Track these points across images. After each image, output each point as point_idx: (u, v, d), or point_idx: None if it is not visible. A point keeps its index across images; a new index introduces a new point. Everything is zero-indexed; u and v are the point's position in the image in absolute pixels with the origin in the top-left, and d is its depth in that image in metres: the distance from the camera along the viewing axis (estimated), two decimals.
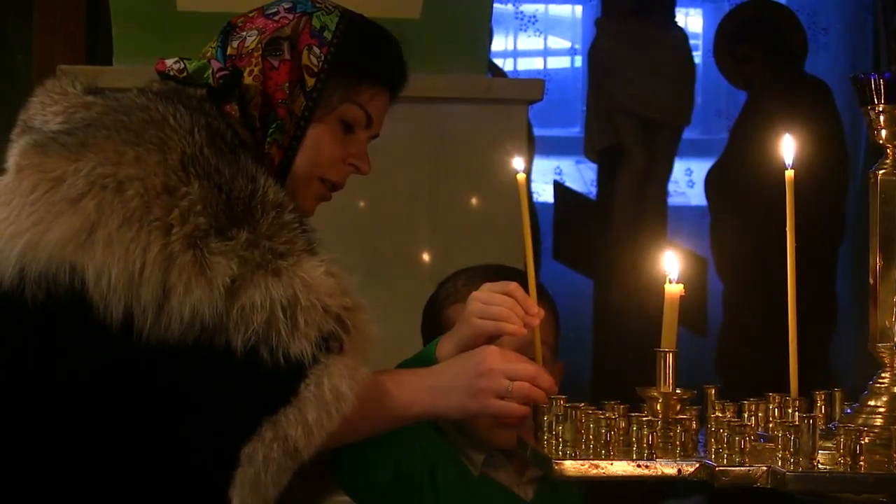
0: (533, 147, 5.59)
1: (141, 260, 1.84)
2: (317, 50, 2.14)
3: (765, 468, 1.90)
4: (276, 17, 2.16)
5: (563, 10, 7.68)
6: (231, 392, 1.88)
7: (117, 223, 1.85)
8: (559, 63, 7.67)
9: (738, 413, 2.15)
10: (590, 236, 6.32)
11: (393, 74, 2.25)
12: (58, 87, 2.07)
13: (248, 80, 2.10)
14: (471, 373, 2.11)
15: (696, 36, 7.30)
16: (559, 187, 6.67)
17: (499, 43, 7.18)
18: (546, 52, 7.61)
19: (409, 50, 3.70)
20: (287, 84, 2.11)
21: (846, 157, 6.08)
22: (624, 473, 1.97)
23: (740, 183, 5.92)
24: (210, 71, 2.08)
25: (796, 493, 1.92)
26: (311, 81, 2.13)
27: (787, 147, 2.02)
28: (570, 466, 1.97)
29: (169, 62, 2.10)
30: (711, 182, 6.22)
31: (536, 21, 7.47)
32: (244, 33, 2.15)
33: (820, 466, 1.89)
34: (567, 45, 7.66)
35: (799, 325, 2.04)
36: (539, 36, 7.53)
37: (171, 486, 1.90)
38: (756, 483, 1.91)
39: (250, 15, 2.19)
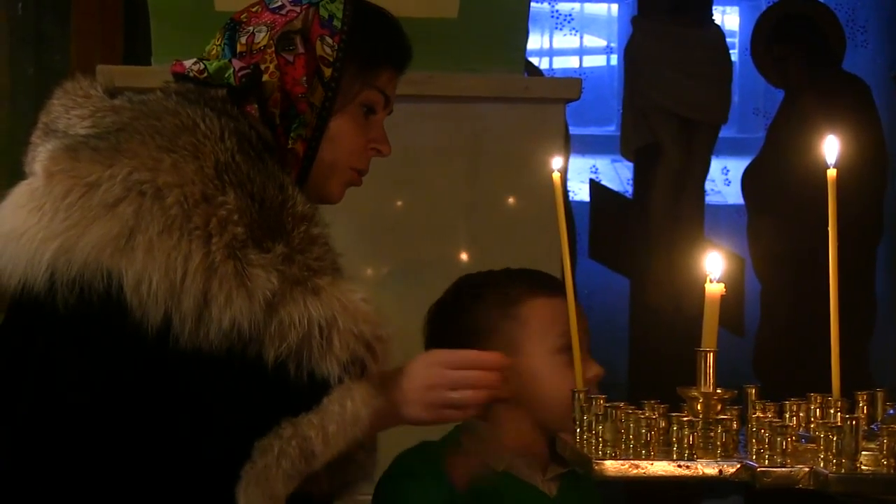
0: (569, 146, 5.58)
1: (182, 268, 1.84)
2: (329, 40, 2.13)
3: (807, 469, 1.89)
4: (283, 11, 2.14)
5: (599, 9, 7.68)
6: (254, 393, 1.89)
7: (158, 229, 1.86)
8: (595, 61, 7.66)
9: (780, 413, 2.14)
10: (626, 235, 6.31)
11: (404, 53, 2.25)
12: (79, 89, 2.06)
13: (265, 77, 2.09)
14: (419, 387, 2.13)
15: (732, 34, 7.29)
16: (595, 186, 6.66)
17: (534, 41, 7.17)
18: (582, 51, 7.60)
19: (446, 50, 3.71)
20: (305, 78, 2.11)
21: (885, 157, 6.04)
22: (664, 473, 1.96)
23: (777, 182, 5.90)
24: (231, 70, 2.07)
25: (839, 495, 1.91)
26: (328, 72, 2.12)
27: (830, 147, 2.01)
28: (611, 466, 1.97)
29: (188, 63, 2.10)
30: (748, 181, 6.19)
31: (572, 19, 7.47)
32: (251, 28, 2.13)
33: (863, 468, 1.87)
34: (603, 43, 7.65)
35: (839, 324, 2.03)
36: (575, 34, 7.52)
37: (181, 480, 1.91)
38: (798, 484, 1.90)
39: (253, 10, 2.17)
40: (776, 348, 5.90)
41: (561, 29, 7.46)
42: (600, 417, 2.04)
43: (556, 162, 2.38)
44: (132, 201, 1.88)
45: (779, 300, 5.98)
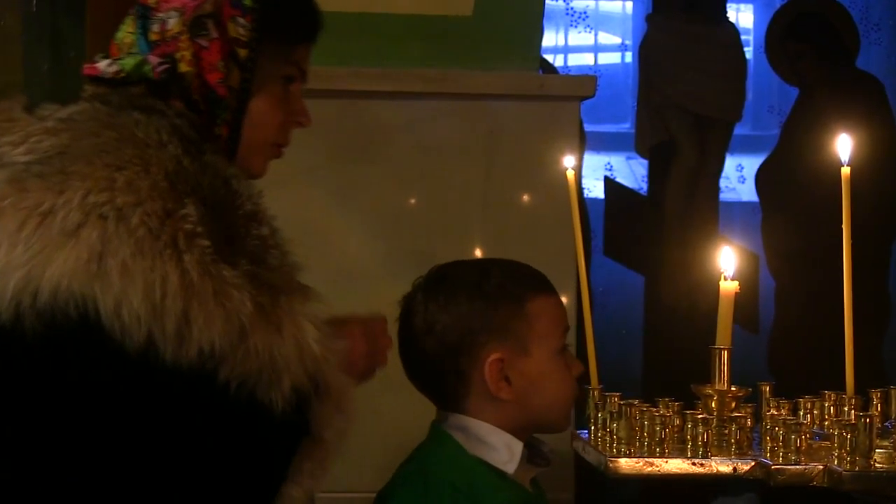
0: (584, 143, 5.58)
1: (161, 290, 1.83)
2: (241, 20, 2.10)
3: (821, 467, 1.90)
4: None
5: (614, 6, 7.67)
6: (227, 415, 1.91)
7: (129, 252, 1.84)
8: (609, 59, 7.66)
9: (794, 411, 2.14)
10: (641, 232, 6.30)
11: (317, 25, 2.23)
12: (2, 116, 2.02)
13: (182, 65, 2.07)
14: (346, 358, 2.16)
15: (746, 31, 7.28)
16: (610, 183, 6.66)
17: (549, 39, 7.17)
18: (596, 48, 7.60)
19: (461, 47, 3.71)
20: (221, 62, 2.08)
21: None
22: (679, 471, 1.97)
23: (792, 179, 5.89)
24: (149, 66, 2.05)
25: (853, 493, 1.92)
26: (243, 53, 2.10)
27: (844, 145, 2.01)
28: (625, 464, 1.97)
29: (101, 65, 2.07)
30: (763, 178, 6.19)
31: (587, 17, 7.46)
32: (162, 15, 2.10)
33: (877, 466, 1.88)
34: (617, 40, 7.64)
35: (853, 322, 2.03)
36: (589, 32, 7.51)
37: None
38: (812, 482, 1.90)
39: None
40: (791, 345, 5.89)
41: (576, 26, 7.46)
42: (615, 415, 2.05)
43: (569, 160, 2.38)
44: (94, 225, 1.85)
45: (793, 297, 5.97)
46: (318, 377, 1.94)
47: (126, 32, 2.11)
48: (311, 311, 1.95)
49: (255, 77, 2.11)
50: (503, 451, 2.45)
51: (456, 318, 2.46)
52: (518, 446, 2.44)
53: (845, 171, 2.01)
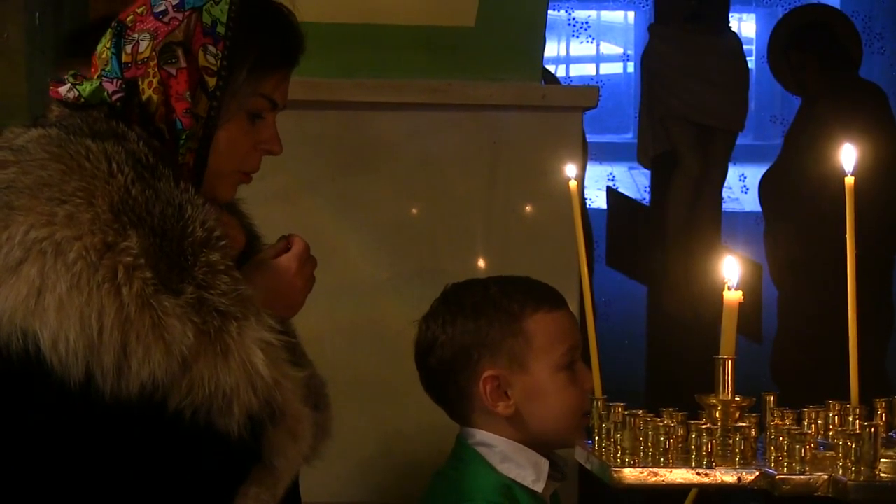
0: (586, 153, 5.59)
1: (98, 324, 1.84)
2: (212, 48, 2.08)
3: (826, 477, 1.89)
4: (166, 19, 2.08)
5: (616, 17, 7.69)
6: (175, 443, 1.92)
7: (66, 287, 1.85)
8: (611, 69, 7.68)
9: (798, 421, 2.13)
10: (643, 242, 6.30)
11: (293, 53, 2.19)
12: None
13: (148, 91, 2.06)
14: (282, 285, 2.17)
15: (749, 41, 7.29)
16: (612, 193, 6.66)
17: (551, 49, 7.18)
18: (598, 59, 7.62)
19: (464, 58, 3.71)
20: (188, 92, 2.07)
21: None
22: (683, 481, 1.96)
23: (795, 188, 5.89)
24: (106, 93, 2.05)
25: (857, 503, 1.91)
26: (211, 82, 2.08)
27: (847, 155, 2.01)
28: (629, 474, 1.97)
29: (62, 90, 2.07)
30: (766, 188, 6.19)
31: (589, 27, 7.47)
32: (136, 36, 2.08)
33: (882, 476, 1.87)
34: (619, 51, 7.67)
35: (857, 331, 2.02)
36: (591, 42, 7.53)
37: None
38: (817, 492, 1.90)
39: (139, 11, 2.11)
40: (794, 355, 5.89)
41: (578, 37, 7.47)
42: (619, 425, 2.05)
43: (571, 170, 2.38)
44: (34, 261, 1.86)
45: (797, 307, 5.97)
46: (272, 403, 1.94)
47: (104, 47, 2.11)
48: (263, 336, 1.95)
49: (224, 106, 2.10)
50: (530, 469, 2.47)
51: (451, 336, 2.49)
52: (545, 465, 2.47)
53: (849, 180, 2.01)
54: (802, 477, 1.90)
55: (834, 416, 2.13)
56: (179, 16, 2.08)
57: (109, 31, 2.11)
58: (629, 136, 7.27)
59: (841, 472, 1.89)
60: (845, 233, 2.02)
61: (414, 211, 3.66)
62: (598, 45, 7.56)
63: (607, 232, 6.47)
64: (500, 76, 3.68)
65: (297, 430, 2.00)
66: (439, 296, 2.58)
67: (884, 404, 2.16)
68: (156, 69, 2.06)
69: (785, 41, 6.12)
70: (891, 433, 2.05)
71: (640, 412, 2.05)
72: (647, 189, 6.62)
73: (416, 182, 3.62)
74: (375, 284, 3.54)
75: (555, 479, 2.52)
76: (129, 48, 2.08)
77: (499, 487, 2.45)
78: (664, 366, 6.05)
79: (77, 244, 1.86)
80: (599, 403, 2.24)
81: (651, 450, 2.01)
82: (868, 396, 2.13)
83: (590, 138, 5.87)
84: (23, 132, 2.03)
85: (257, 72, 2.13)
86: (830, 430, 2.11)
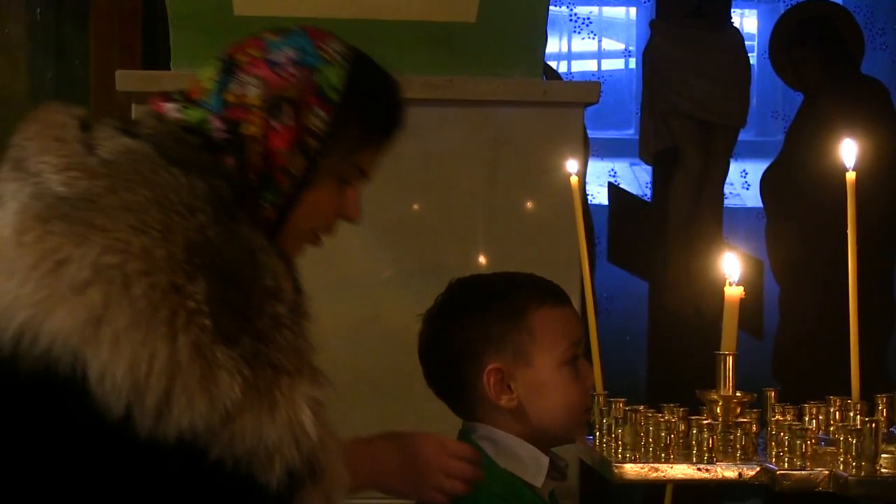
0: (587, 149, 5.59)
1: (147, 366, 1.81)
2: (321, 112, 2.06)
3: (826, 472, 1.89)
4: (281, 72, 2.06)
5: (618, 12, 7.68)
6: (213, 489, 1.89)
7: (125, 322, 1.82)
8: (613, 65, 7.67)
9: (799, 416, 2.14)
10: (645, 238, 6.30)
11: (394, 129, 2.19)
12: (53, 128, 1.99)
13: (248, 140, 2.04)
14: (417, 467, 2.26)
15: (751, 37, 7.29)
16: (614, 189, 6.66)
17: (553, 45, 7.18)
18: (600, 55, 7.61)
19: (465, 54, 3.71)
20: (287, 150, 2.05)
21: None
22: (684, 477, 1.97)
23: (796, 185, 5.89)
24: (210, 127, 2.03)
25: (859, 498, 1.91)
26: (313, 144, 2.06)
27: (848, 150, 2.01)
28: (630, 470, 1.97)
29: (168, 107, 2.05)
30: (767, 184, 6.19)
31: (590, 23, 7.47)
32: (246, 79, 2.05)
33: (883, 471, 1.87)
34: (621, 47, 7.65)
35: (858, 327, 2.03)
36: (593, 38, 7.53)
37: None
38: (818, 487, 1.90)
39: (253, 53, 2.08)
40: (796, 351, 5.89)
41: (579, 32, 7.47)
42: (620, 421, 2.05)
43: (572, 165, 2.38)
44: (101, 287, 1.83)
45: (798, 303, 5.97)
46: (314, 462, 1.92)
47: (208, 78, 2.09)
48: (313, 394, 1.93)
49: (318, 169, 2.08)
50: (531, 464, 2.48)
51: (456, 330, 2.51)
52: (544, 460, 2.48)
53: (850, 176, 2.01)
54: (803, 472, 1.90)
55: (835, 411, 2.14)
56: (295, 72, 2.06)
57: (217, 62, 2.09)
58: (631, 132, 7.27)
59: (842, 467, 1.90)
60: (846, 228, 2.02)
61: (415, 207, 3.66)
62: (599, 41, 7.56)
63: (609, 228, 6.47)
64: (501, 72, 3.69)
65: (332, 494, 1.97)
66: (444, 291, 2.59)
67: (885, 400, 2.16)
68: (260, 119, 2.03)
69: (787, 37, 6.13)
70: (892, 429, 2.06)
71: (642, 408, 2.06)
72: (649, 185, 6.62)
73: (417, 178, 3.62)
74: (377, 281, 3.54)
75: (554, 478, 2.53)
76: (235, 88, 2.05)
77: (502, 481, 2.46)
78: (665, 363, 6.05)
79: (145, 280, 1.84)
80: (601, 399, 2.25)
81: (652, 445, 2.01)
82: (870, 394, 2.13)
83: (591, 134, 5.88)
84: (114, 136, 1.99)
85: (359, 143, 2.12)
86: (831, 425, 2.11)
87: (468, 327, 2.50)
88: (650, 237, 6.24)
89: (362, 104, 2.11)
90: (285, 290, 1.95)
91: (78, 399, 1.82)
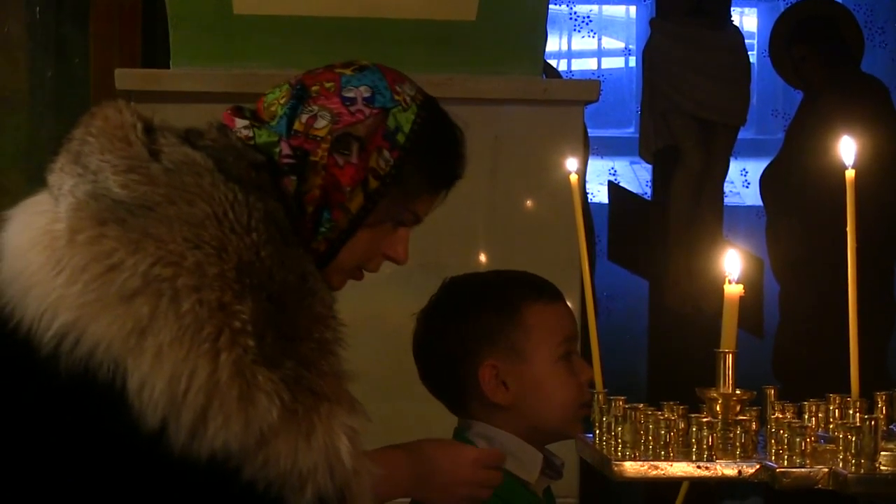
0: (587, 148, 5.59)
1: (187, 382, 1.80)
2: (387, 153, 2.06)
3: (826, 470, 1.89)
4: (353, 108, 2.05)
5: (618, 11, 7.68)
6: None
7: (169, 337, 1.81)
8: (613, 63, 7.67)
9: (799, 414, 2.14)
10: (645, 237, 6.31)
11: (455, 180, 2.19)
12: (118, 128, 1.97)
13: (310, 170, 2.02)
14: (450, 481, 2.24)
15: (750, 35, 7.29)
16: (614, 188, 6.66)
17: (553, 43, 7.18)
18: (600, 53, 7.61)
19: (465, 52, 3.71)
20: (349, 188, 2.04)
21: None
22: (684, 475, 1.97)
23: (796, 183, 5.89)
24: (278, 150, 2.01)
25: (858, 496, 1.91)
26: (374, 184, 2.05)
27: (847, 148, 2.01)
28: (630, 468, 1.97)
29: (239, 124, 2.03)
30: (767, 182, 6.19)
31: (591, 21, 7.47)
32: (316, 109, 2.04)
33: (882, 469, 1.87)
34: (621, 45, 7.66)
35: (858, 325, 2.03)
36: (593, 36, 7.53)
37: None
38: (817, 485, 1.90)
39: (326, 86, 2.07)
40: (795, 349, 5.89)
41: (579, 31, 7.47)
42: (620, 419, 2.05)
43: (572, 164, 2.38)
44: (149, 299, 1.82)
45: (798, 301, 5.97)
46: (345, 491, 1.91)
47: (276, 101, 2.07)
48: (352, 423, 1.92)
49: (375, 210, 2.07)
50: (525, 460, 2.48)
51: (452, 328, 2.51)
52: (538, 457, 2.48)
53: (850, 173, 2.01)
54: (803, 470, 1.90)
55: (834, 409, 2.14)
56: (366, 110, 2.05)
57: (287, 87, 2.08)
58: (631, 131, 7.27)
59: (841, 465, 1.90)
60: (846, 226, 2.02)
61: None
62: (599, 40, 7.56)
63: (609, 226, 6.47)
64: (501, 70, 3.68)
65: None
66: (438, 289, 2.59)
67: (884, 397, 2.16)
68: (325, 152, 2.02)
69: (787, 35, 6.13)
70: (891, 426, 2.06)
71: (641, 406, 2.06)
72: (649, 183, 6.62)
73: None
74: (377, 279, 3.52)
75: (549, 476, 2.53)
76: (304, 118, 2.04)
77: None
78: (665, 361, 6.05)
79: (194, 296, 1.83)
80: (601, 397, 2.25)
81: (652, 443, 2.01)
82: (869, 390, 2.14)
83: (591, 133, 5.88)
84: (177, 144, 1.96)
85: (419, 189, 2.12)
86: (831, 423, 2.12)
87: (462, 325, 2.50)
88: (650, 236, 6.25)
89: (428, 152, 2.11)
90: (333, 318, 1.94)
91: (115, 407, 1.82)
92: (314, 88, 2.07)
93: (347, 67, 2.11)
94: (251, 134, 2.02)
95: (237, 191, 1.91)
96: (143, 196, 1.90)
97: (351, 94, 2.06)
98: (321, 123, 2.03)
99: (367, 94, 2.06)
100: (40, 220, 1.95)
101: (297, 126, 2.04)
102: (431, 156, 2.12)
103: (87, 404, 1.85)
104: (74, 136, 1.99)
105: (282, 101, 2.07)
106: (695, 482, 2.06)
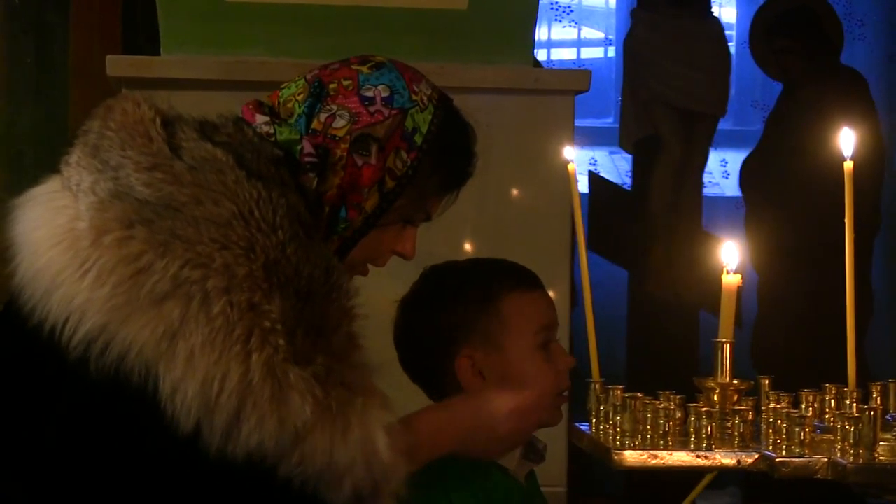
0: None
1: (220, 385, 1.80)
2: (404, 154, 2.06)
3: (825, 460, 1.91)
4: (372, 108, 2.05)
5: (598, 1, 7.68)
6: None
7: (200, 340, 1.81)
8: (592, 53, 7.67)
9: (794, 404, 2.15)
10: (625, 227, 6.31)
11: (466, 178, 2.21)
12: (140, 124, 1.95)
13: (328, 169, 2.03)
14: (487, 429, 2.21)
15: (729, 26, 7.29)
16: (594, 177, 6.66)
17: None
18: (580, 43, 7.61)
19: (456, 41, 3.71)
20: (366, 188, 2.05)
21: (882, 150, 6.06)
22: (683, 464, 1.98)
23: (776, 174, 5.92)
24: (300, 148, 2.00)
25: (855, 486, 1.93)
26: (390, 184, 2.06)
27: (846, 140, 2.03)
28: (630, 457, 1.98)
29: (259, 120, 2.02)
30: (746, 173, 6.21)
31: (571, 11, 7.47)
32: (335, 109, 2.05)
33: (881, 458, 1.89)
34: (601, 35, 7.65)
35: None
36: (573, 26, 7.52)
37: None
38: (816, 475, 1.91)
39: (345, 84, 2.07)
40: (774, 340, 5.92)
41: (560, 21, 7.47)
42: (618, 408, 2.06)
43: (569, 152, 2.39)
44: (179, 302, 1.82)
45: (776, 292, 6.00)
46: (382, 484, 1.91)
47: (292, 97, 2.07)
48: (387, 417, 1.92)
49: (390, 209, 2.08)
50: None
51: (430, 317, 2.50)
52: None
53: (847, 165, 2.03)
54: (802, 460, 1.92)
55: (830, 399, 2.15)
56: (385, 111, 2.05)
57: (304, 83, 2.07)
58: (610, 121, 7.28)
59: (839, 454, 1.91)
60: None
61: None
62: (579, 30, 7.56)
63: (589, 216, 6.47)
64: (492, 59, 3.69)
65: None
66: (418, 277, 2.59)
67: (879, 388, 2.18)
68: (344, 152, 2.03)
69: (766, 26, 6.14)
70: (887, 416, 2.08)
71: (640, 395, 2.07)
72: (629, 173, 6.63)
73: None
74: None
75: (531, 459, 2.52)
76: (322, 116, 2.04)
77: (473, 466, 2.46)
78: (645, 349, 6.07)
79: (224, 298, 1.82)
80: (597, 386, 2.26)
81: (650, 432, 2.02)
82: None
83: None
84: (196, 139, 1.95)
85: (433, 189, 2.13)
86: (826, 413, 2.13)
87: (440, 315, 2.49)
88: (630, 225, 6.25)
89: (444, 153, 2.12)
90: (356, 310, 1.94)
91: (149, 412, 1.81)
92: (332, 86, 2.06)
93: (364, 64, 2.10)
94: (272, 130, 2.01)
95: (260, 188, 1.90)
96: (168, 196, 1.88)
97: (370, 94, 2.06)
98: (340, 123, 2.03)
99: (385, 94, 2.06)
100: (60, 217, 1.93)
101: (315, 125, 2.04)
102: (447, 156, 2.13)
103: (120, 410, 1.84)
104: (91, 129, 1.97)
105: (299, 98, 2.06)
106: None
